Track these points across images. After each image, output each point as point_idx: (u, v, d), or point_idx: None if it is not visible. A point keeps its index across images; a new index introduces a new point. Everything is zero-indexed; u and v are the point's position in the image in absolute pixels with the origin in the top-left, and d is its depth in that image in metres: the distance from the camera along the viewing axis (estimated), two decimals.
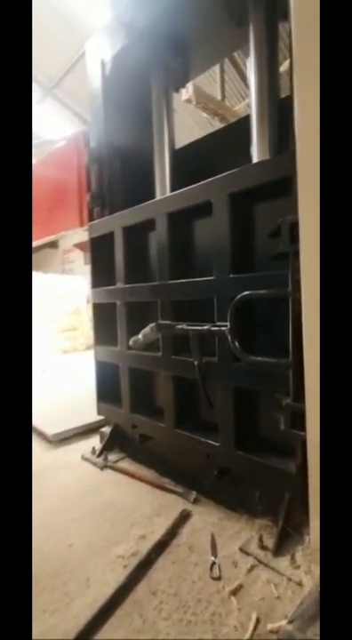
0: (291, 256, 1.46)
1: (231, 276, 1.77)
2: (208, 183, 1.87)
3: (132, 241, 2.47)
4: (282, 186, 1.50)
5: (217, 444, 1.92)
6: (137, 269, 2.46)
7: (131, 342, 2.37)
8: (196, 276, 1.98)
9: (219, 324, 1.80)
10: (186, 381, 2.11)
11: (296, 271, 1.42)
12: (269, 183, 1.61)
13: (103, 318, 2.70)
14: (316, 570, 1.46)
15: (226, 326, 1.73)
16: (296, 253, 1.40)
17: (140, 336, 2.28)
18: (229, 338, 1.71)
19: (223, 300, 1.79)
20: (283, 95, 1.95)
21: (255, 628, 1.25)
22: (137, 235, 2.45)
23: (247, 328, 1.80)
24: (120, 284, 2.48)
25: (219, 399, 1.90)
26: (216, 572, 1.51)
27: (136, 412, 2.47)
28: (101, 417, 2.89)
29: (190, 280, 2.00)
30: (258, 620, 1.28)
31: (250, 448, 1.82)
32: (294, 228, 1.42)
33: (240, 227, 1.81)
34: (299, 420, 1.49)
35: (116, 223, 2.49)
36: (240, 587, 1.44)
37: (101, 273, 2.68)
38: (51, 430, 3.01)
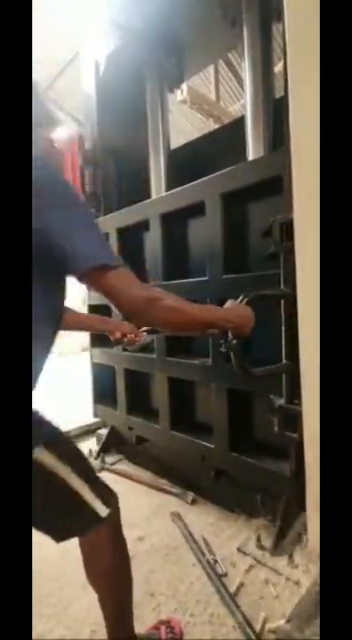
0: (282, 255, 1.46)
1: (224, 276, 1.76)
2: (200, 183, 1.86)
3: (126, 242, 2.45)
4: (275, 184, 1.50)
5: (212, 445, 1.90)
6: (132, 270, 2.44)
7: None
8: (193, 277, 1.98)
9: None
10: (180, 383, 2.10)
11: (288, 270, 1.42)
12: (261, 182, 1.60)
13: None
14: (314, 569, 1.46)
15: None
16: (288, 252, 1.40)
17: None
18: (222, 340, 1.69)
19: (217, 300, 1.77)
20: (277, 95, 1.96)
21: (263, 628, 1.25)
22: (131, 235, 2.44)
23: None
24: None
25: (213, 400, 1.88)
26: (221, 569, 1.52)
27: (132, 414, 2.45)
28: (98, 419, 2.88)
29: (183, 281, 1.99)
30: (265, 620, 1.28)
31: (245, 450, 1.81)
32: (285, 227, 1.41)
33: (233, 226, 1.79)
34: (292, 421, 1.47)
35: (109, 224, 2.47)
36: (238, 587, 1.44)
37: None
38: None
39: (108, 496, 1.01)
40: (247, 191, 1.71)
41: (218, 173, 1.78)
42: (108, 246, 0.94)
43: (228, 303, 1.21)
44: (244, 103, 2.14)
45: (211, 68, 5.60)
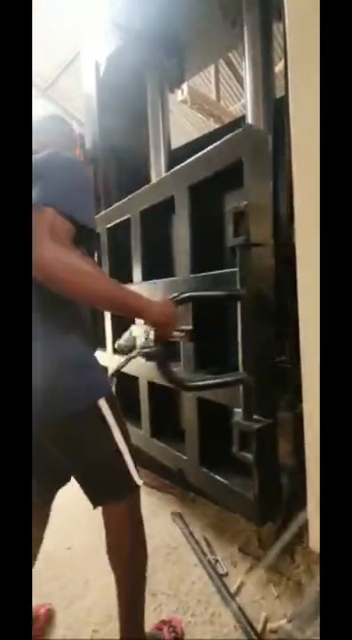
0: (238, 250, 1.32)
1: (191, 275, 1.63)
2: (169, 176, 1.74)
3: (115, 241, 2.38)
4: (239, 170, 1.36)
5: (185, 457, 1.75)
6: (122, 270, 2.31)
7: (116, 345, 2.30)
8: (175, 277, 1.85)
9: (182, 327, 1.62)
10: (162, 388, 1.94)
11: (243, 267, 1.33)
12: (226, 169, 1.46)
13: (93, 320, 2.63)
14: (315, 569, 1.46)
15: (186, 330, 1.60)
16: (242, 247, 1.31)
17: (121, 340, 2.22)
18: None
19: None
20: (278, 95, 1.95)
21: (264, 627, 1.25)
22: (120, 234, 2.33)
23: (208, 332, 1.63)
24: None
25: (185, 409, 1.75)
26: (222, 569, 1.52)
27: (126, 417, 2.36)
28: None
29: (156, 281, 1.88)
30: (266, 620, 1.28)
31: (216, 464, 1.62)
32: (240, 218, 1.31)
33: (205, 221, 1.65)
34: (249, 441, 1.31)
35: (101, 223, 2.41)
36: (239, 587, 1.43)
37: None
38: None
39: (138, 470, 1.08)
40: (217, 181, 1.55)
41: (184, 163, 1.63)
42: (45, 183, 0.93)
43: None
44: (244, 103, 2.14)
45: (211, 68, 5.59)
